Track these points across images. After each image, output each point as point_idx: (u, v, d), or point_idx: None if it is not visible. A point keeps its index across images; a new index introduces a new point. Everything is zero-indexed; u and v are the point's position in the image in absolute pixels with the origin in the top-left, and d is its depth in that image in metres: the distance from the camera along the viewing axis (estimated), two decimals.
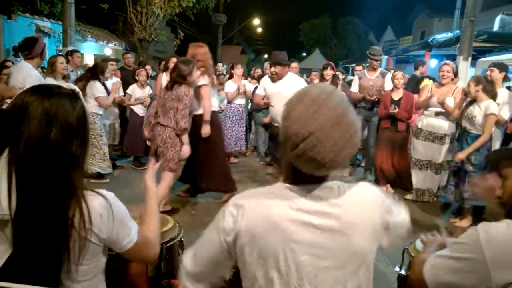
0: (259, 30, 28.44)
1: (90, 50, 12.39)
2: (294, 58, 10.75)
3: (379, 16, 24.28)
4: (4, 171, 0.88)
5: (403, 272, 1.73)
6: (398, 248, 1.76)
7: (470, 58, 7.22)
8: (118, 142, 5.30)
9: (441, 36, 9.77)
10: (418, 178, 4.40)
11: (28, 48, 3.45)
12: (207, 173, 3.85)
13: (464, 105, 3.80)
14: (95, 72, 4.51)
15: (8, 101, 3.44)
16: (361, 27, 27.37)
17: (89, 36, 11.99)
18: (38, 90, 0.94)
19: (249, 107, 6.27)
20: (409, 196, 4.40)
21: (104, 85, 4.57)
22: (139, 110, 5.27)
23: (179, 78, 3.34)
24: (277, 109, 3.68)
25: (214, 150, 3.82)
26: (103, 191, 1.01)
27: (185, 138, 3.39)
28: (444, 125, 4.16)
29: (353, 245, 0.93)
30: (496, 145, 3.95)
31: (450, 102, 4.06)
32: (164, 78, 5.14)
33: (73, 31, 7.64)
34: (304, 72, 11.13)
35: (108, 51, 13.08)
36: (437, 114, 4.18)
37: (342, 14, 27.54)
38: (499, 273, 0.82)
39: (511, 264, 0.82)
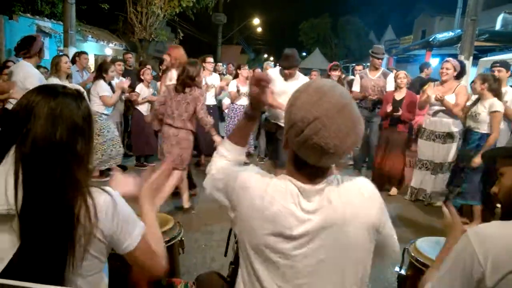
0: (259, 30, 28.44)
1: (90, 50, 12.38)
2: None
3: (380, 15, 24.30)
4: (11, 168, 0.90)
5: (403, 272, 1.73)
6: (400, 249, 1.76)
7: (471, 58, 7.20)
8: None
9: (442, 35, 9.75)
10: (416, 178, 4.40)
11: (26, 47, 3.47)
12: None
13: (469, 104, 3.78)
14: (100, 71, 4.54)
15: (12, 101, 3.46)
16: (361, 26, 27.35)
17: (90, 36, 12.00)
18: (43, 90, 0.96)
19: None
20: (401, 195, 4.40)
21: (110, 84, 4.59)
22: (143, 109, 5.27)
23: (188, 80, 3.44)
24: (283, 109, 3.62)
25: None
26: (109, 188, 1.02)
27: (214, 131, 3.60)
28: (445, 124, 4.11)
29: (349, 239, 0.95)
30: (503, 140, 3.82)
31: (451, 99, 4.00)
32: (174, 74, 5.17)
33: (73, 31, 7.64)
34: (304, 71, 11.12)
35: (108, 51, 13.09)
36: (437, 112, 4.14)
37: (342, 14, 27.55)
38: (492, 272, 0.83)
39: (503, 262, 0.83)
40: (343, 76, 7.07)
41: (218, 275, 1.36)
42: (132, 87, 5.31)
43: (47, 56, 8.79)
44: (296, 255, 0.93)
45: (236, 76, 5.95)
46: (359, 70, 6.00)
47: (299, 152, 0.94)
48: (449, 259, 0.94)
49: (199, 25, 17.71)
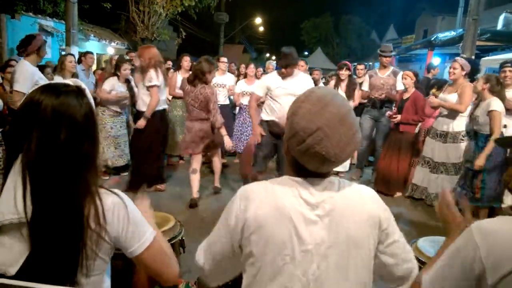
0: (261, 29, 28.43)
1: (92, 49, 12.36)
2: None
3: (381, 15, 24.23)
4: (19, 177, 0.89)
5: None
6: None
7: (473, 57, 7.18)
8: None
9: (444, 35, 9.72)
10: (417, 175, 4.38)
11: (24, 45, 3.51)
12: (135, 168, 4.13)
13: (473, 107, 3.71)
14: (115, 68, 4.64)
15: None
16: (363, 25, 27.30)
17: (92, 35, 12.03)
18: (45, 91, 0.94)
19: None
20: (404, 195, 4.39)
21: (128, 81, 4.64)
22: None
23: (200, 74, 3.71)
24: (285, 109, 3.50)
25: (145, 147, 3.94)
26: (117, 191, 1.01)
27: (223, 130, 3.87)
28: (446, 123, 4.09)
29: (351, 237, 0.95)
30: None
31: (454, 98, 3.97)
32: (179, 77, 5.17)
33: (76, 30, 7.67)
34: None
35: (110, 50, 13.10)
36: (441, 111, 4.16)
37: (344, 13, 27.50)
38: (493, 268, 0.82)
39: (506, 259, 0.81)
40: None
41: None
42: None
43: (49, 54, 8.84)
44: (302, 251, 0.94)
45: (244, 76, 5.92)
46: (361, 69, 5.99)
47: (299, 159, 0.96)
48: (449, 251, 0.92)
49: (201, 24, 17.72)
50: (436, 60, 10.68)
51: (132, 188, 3.71)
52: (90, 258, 0.93)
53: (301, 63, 5.52)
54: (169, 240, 1.79)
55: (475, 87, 3.62)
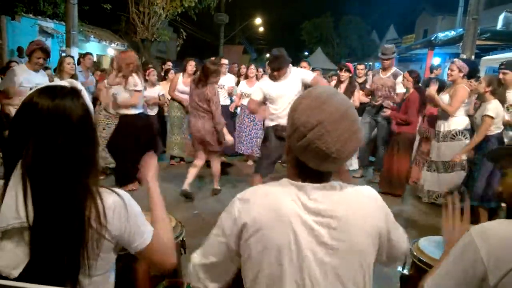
0: (261, 29, 28.44)
1: (93, 50, 12.43)
2: (296, 57, 10.72)
3: (382, 15, 24.23)
4: (19, 182, 0.89)
5: (405, 272, 1.73)
6: None
7: (473, 57, 7.18)
8: None
9: (444, 35, 9.73)
10: (425, 179, 4.36)
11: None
12: (118, 167, 4.26)
13: (473, 112, 3.82)
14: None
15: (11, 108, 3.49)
16: (363, 26, 27.30)
17: (92, 36, 12.05)
18: (41, 94, 0.93)
19: None
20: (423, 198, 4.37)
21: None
22: (151, 111, 5.28)
23: (203, 74, 3.88)
24: (283, 111, 3.47)
25: (126, 148, 3.98)
26: (117, 189, 1.01)
27: (225, 130, 4.05)
28: (439, 122, 4.17)
29: (354, 243, 0.94)
30: None
31: (445, 100, 4.05)
32: (181, 79, 5.20)
33: (76, 31, 7.67)
34: None
35: (110, 51, 13.13)
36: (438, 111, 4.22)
37: (344, 13, 27.49)
38: (494, 270, 0.82)
39: (506, 260, 0.82)
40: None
41: None
42: None
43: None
44: (302, 256, 0.92)
45: (245, 77, 5.91)
46: (361, 69, 6.00)
47: (300, 156, 0.94)
48: (451, 255, 0.93)
49: (201, 25, 17.72)
50: (436, 60, 10.68)
51: (118, 185, 3.86)
52: (91, 258, 0.93)
53: (304, 64, 5.50)
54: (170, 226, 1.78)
55: (476, 89, 3.63)
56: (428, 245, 1.73)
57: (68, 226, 0.90)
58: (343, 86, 5.16)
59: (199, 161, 4.14)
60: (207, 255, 1.03)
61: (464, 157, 3.92)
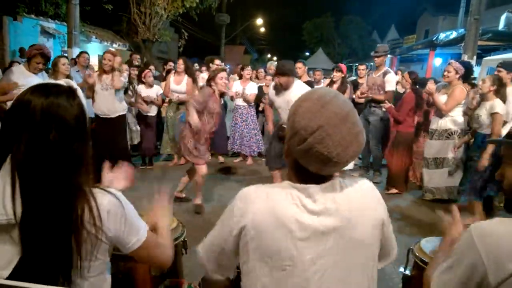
0: (262, 29, 28.42)
1: (94, 51, 12.46)
2: (297, 57, 10.68)
3: (382, 15, 24.21)
4: (8, 177, 0.88)
5: (407, 272, 1.72)
6: (403, 248, 1.75)
7: (475, 57, 7.17)
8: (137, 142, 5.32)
9: (446, 35, 9.70)
10: (424, 176, 4.44)
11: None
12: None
13: (474, 105, 3.85)
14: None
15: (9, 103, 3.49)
16: (364, 26, 27.30)
17: (94, 36, 12.07)
18: (35, 91, 0.92)
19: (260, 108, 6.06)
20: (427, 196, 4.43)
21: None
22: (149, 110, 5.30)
23: (210, 77, 3.77)
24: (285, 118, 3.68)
25: (110, 148, 4.03)
26: (112, 190, 1.00)
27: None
28: (435, 121, 4.24)
29: (357, 240, 0.94)
30: None
31: (444, 99, 4.13)
32: (172, 78, 5.22)
33: (77, 32, 7.70)
34: (307, 71, 11.09)
35: None
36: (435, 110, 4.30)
37: (345, 13, 27.49)
38: (495, 270, 0.82)
39: (506, 261, 0.81)
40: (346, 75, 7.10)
41: (225, 277, 1.35)
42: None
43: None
44: (305, 260, 0.91)
45: (240, 77, 5.94)
46: (362, 69, 6.01)
47: (301, 160, 0.93)
48: (452, 255, 0.92)
49: (202, 26, 17.73)
50: (437, 61, 10.65)
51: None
52: (86, 259, 0.92)
53: (299, 65, 5.48)
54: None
55: (481, 87, 3.66)
56: (430, 245, 1.72)
57: (57, 224, 0.88)
58: (335, 86, 5.23)
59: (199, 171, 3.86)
60: (209, 250, 1.03)
61: (459, 154, 4.12)
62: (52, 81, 1.02)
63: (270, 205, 0.93)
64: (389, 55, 15.17)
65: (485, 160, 3.47)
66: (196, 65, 7.06)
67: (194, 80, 5.20)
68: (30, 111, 0.89)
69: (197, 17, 12.47)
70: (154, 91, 5.29)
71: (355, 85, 5.77)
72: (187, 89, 5.13)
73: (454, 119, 4.14)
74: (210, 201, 4.11)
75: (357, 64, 6.52)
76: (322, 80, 6.39)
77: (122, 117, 4.40)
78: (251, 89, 5.65)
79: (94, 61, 10.86)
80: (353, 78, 7.29)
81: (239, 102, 5.68)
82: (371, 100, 4.97)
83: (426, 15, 21.20)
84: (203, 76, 5.62)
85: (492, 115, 3.52)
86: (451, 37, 9.42)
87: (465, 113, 4.24)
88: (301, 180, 0.95)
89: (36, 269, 0.88)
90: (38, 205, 0.88)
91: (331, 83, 5.38)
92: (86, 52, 5.91)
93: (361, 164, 5.39)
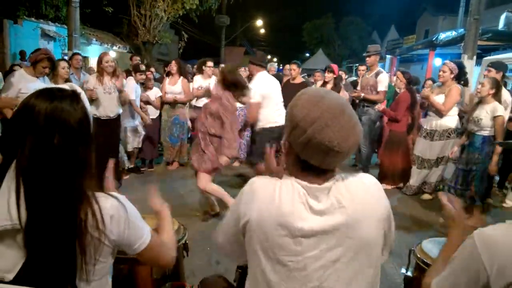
0: (262, 31, 28.47)
1: (95, 53, 12.48)
2: (297, 58, 10.64)
3: (382, 15, 24.23)
4: (13, 182, 0.89)
5: (409, 273, 1.72)
6: (405, 249, 1.75)
7: (475, 57, 7.17)
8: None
9: (446, 35, 9.71)
10: (416, 176, 4.48)
11: (31, 54, 3.56)
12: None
13: (471, 108, 3.86)
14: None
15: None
16: (364, 26, 27.32)
17: (94, 39, 12.08)
18: (39, 96, 0.93)
19: None
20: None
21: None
22: (150, 112, 5.29)
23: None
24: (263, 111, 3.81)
25: (108, 147, 4.00)
26: (115, 193, 1.01)
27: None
28: (438, 122, 4.25)
29: (362, 237, 0.94)
30: None
31: (441, 100, 4.16)
32: (167, 81, 5.22)
33: (78, 34, 7.70)
34: (308, 72, 11.12)
35: (112, 54, 13.11)
36: (430, 110, 4.33)
37: (345, 14, 27.54)
38: (498, 278, 0.81)
39: (509, 266, 0.81)
40: (346, 76, 7.10)
41: (223, 279, 1.36)
42: None
43: None
44: (308, 257, 0.92)
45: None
46: (363, 70, 6.01)
47: (302, 154, 0.94)
48: (454, 261, 0.92)
49: (202, 27, 17.75)
50: (437, 61, 10.65)
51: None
52: (89, 263, 0.93)
53: (293, 66, 5.45)
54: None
55: (481, 90, 3.67)
56: (432, 246, 1.72)
57: (61, 229, 0.89)
58: (329, 87, 5.25)
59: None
60: (223, 236, 1.09)
61: (455, 155, 4.16)
62: (52, 85, 1.03)
63: (276, 201, 0.95)
64: (388, 55, 15.23)
65: (494, 165, 3.58)
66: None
67: (188, 81, 5.21)
68: (34, 116, 0.89)
69: (197, 19, 12.49)
70: (153, 93, 5.29)
71: (355, 86, 5.78)
72: (183, 89, 5.15)
73: (452, 118, 4.20)
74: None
75: (357, 64, 6.52)
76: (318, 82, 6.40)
77: (119, 116, 4.44)
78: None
79: (94, 64, 10.89)
80: (354, 78, 7.28)
81: (239, 104, 5.62)
82: (364, 100, 5.03)
83: (426, 15, 21.21)
84: (196, 80, 5.45)
85: (496, 118, 3.57)
86: (451, 37, 9.43)
87: (460, 114, 4.29)
88: (303, 177, 0.97)
89: (40, 273, 0.88)
90: (42, 209, 0.88)
91: (324, 84, 5.40)
92: (79, 54, 5.81)
93: (354, 162, 5.47)
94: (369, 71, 5.16)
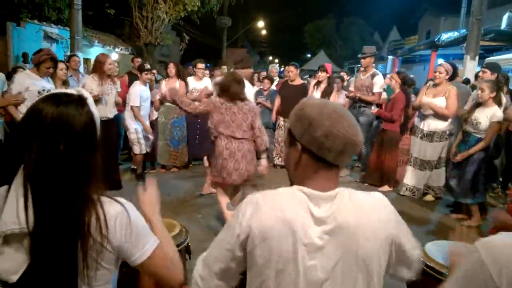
0: (264, 32, 28.50)
1: (97, 55, 12.53)
2: (299, 59, 10.63)
3: (384, 16, 24.19)
4: (20, 187, 0.90)
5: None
6: None
7: (477, 57, 7.15)
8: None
9: (448, 36, 9.68)
10: (412, 176, 4.49)
11: (31, 57, 3.56)
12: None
13: (468, 109, 3.85)
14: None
15: (21, 109, 3.47)
16: (365, 27, 27.29)
17: (96, 41, 12.12)
18: (46, 101, 0.94)
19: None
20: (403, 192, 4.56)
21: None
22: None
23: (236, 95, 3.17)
24: None
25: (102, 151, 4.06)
26: (121, 199, 1.00)
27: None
28: (437, 123, 4.25)
29: (361, 253, 0.94)
30: None
31: (442, 102, 4.16)
32: (164, 84, 5.18)
33: (80, 36, 7.73)
34: (309, 73, 11.13)
35: (114, 56, 13.18)
36: (426, 112, 4.31)
37: (347, 15, 27.52)
38: (508, 286, 0.80)
39: None
40: (348, 77, 7.11)
41: None
42: None
43: None
44: (309, 266, 0.92)
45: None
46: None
47: (320, 150, 0.95)
48: (460, 274, 0.89)
49: (204, 29, 17.77)
50: (440, 62, 10.60)
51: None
52: (91, 267, 0.92)
53: (291, 68, 5.47)
54: (176, 247, 1.78)
55: (481, 96, 3.66)
56: (435, 250, 1.71)
57: (67, 233, 0.89)
58: (322, 87, 5.24)
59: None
60: (213, 261, 1.01)
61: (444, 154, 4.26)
62: (51, 87, 1.04)
63: (277, 211, 0.94)
64: (390, 56, 15.20)
65: (464, 155, 3.65)
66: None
67: (186, 84, 5.19)
68: (41, 120, 0.90)
69: (199, 21, 12.51)
70: (153, 95, 5.32)
71: None
72: (180, 91, 5.13)
73: (451, 119, 4.24)
74: (213, 207, 4.11)
75: (359, 65, 6.51)
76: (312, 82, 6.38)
77: (116, 116, 4.47)
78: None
79: None
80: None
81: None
82: (360, 100, 5.08)
83: (428, 16, 21.16)
84: (189, 82, 5.35)
85: (492, 123, 3.57)
86: (453, 37, 9.41)
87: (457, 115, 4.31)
88: (312, 181, 0.97)
89: (43, 276, 0.89)
90: (49, 214, 0.89)
91: (318, 83, 5.41)
92: (76, 55, 5.82)
93: (353, 164, 5.51)
94: (364, 72, 5.25)
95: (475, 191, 3.68)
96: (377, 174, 4.84)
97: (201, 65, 5.43)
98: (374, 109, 4.82)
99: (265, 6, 25.18)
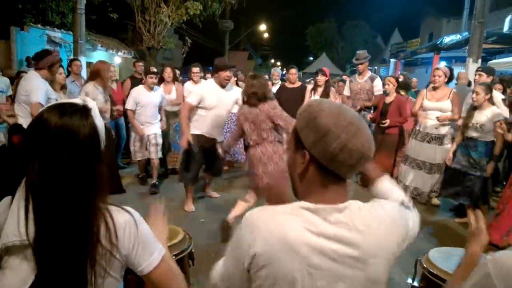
0: (266, 35, 28.58)
1: (100, 59, 12.59)
2: (301, 62, 10.60)
3: (386, 19, 24.18)
4: (22, 199, 0.90)
5: (416, 284, 1.71)
6: (412, 259, 1.74)
7: (480, 60, 7.13)
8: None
9: (450, 38, 9.67)
10: (410, 177, 4.47)
11: (37, 58, 3.50)
12: None
13: (466, 114, 3.83)
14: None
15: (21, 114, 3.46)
16: (367, 30, 27.28)
17: (99, 45, 12.19)
18: (50, 110, 0.94)
19: None
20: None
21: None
22: None
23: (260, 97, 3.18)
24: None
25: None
26: (129, 208, 1.01)
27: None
28: (432, 126, 4.27)
29: (370, 274, 0.90)
30: None
31: (447, 105, 4.19)
32: (161, 90, 5.08)
33: (83, 40, 7.78)
34: (311, 76, 11.12)
35: (117, 60, 13.25)
36: (433, 116, 4.30)
37: (349, 18, 27.52)
38: None
39: None
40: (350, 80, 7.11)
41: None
42: None
43: None
44: (316, 287, 0.88)
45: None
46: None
47: (332, 164, 0.88)
48: (468, 283, 0.89)
49: (206, 32, 17.87)
50: (442, 64, 10.58)
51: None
52: (100, 276, 0.92)
53: (292, 71, 5.45)
54: (179, 253, 1.78)
55: (477, 99, 3.66)
56: (439, 257, 1.70)
57: (72, 245, 0.89)
58: (320, 90, 5.26)
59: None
60: (224, 279, 0.99)
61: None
62: (50, 91, 1.04)
63: (278, 230, 0.88)
64: (393, 59, 15.18)
65: (491, 165, 3.61)
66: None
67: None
68: (44, 131, 0.90)
69: (201, 24, 12.56)
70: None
71: None
72: (177, 94, 5.16)
73: (452, 123, 4.28)
74: (215, 212, 4.11)
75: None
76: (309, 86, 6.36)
77: (117, 120, 4.54)
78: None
79: None
80: None
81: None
82: (360, 111, 5.16)
83: (430, 19, 21.14)
84: (186, 87, 5.31)
85: (496, 122, 3.55)
86: (456, 40, 9.40)
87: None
88: (319, 195, 0.91)
89: (51, 286, 0.89)
90: (51, 224, 0.89)
91: (316, 87, 5.40)
92: (78, 59, 5.80)
93: None
94: (360, 76, 5.32)
95: (483, 195, 3.68)
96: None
97: (195, 69, 5.37)
98: (386, 122, 4.70)
99: (267, 9, 25.29)
